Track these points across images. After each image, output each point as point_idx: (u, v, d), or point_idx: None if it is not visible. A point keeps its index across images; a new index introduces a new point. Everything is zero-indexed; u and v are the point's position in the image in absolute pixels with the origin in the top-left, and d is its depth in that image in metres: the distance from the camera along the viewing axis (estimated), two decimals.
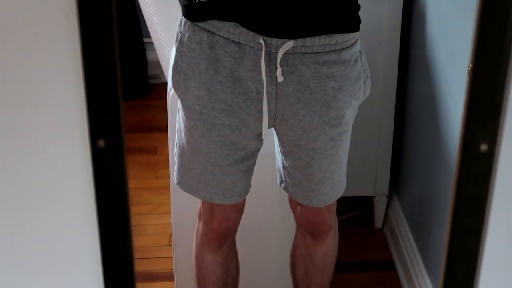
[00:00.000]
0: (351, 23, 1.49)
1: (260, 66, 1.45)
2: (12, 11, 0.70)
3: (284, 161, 1.62)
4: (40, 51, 0.70)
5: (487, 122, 0.74)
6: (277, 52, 1.44)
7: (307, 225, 1.73)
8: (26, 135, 0.74)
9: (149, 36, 2.31)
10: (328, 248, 1.76)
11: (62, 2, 0.68)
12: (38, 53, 0.70)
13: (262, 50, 1.44)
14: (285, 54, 1.45)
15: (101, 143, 0.68)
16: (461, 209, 0.80)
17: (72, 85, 0.69)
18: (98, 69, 0.66)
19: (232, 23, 1.44)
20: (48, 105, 0.72)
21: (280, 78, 1.46)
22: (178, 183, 1.63)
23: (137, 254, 2.29)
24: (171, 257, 2.12)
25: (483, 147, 0.75)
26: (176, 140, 1.61)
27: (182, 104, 1.54)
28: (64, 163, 0.74)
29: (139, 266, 2.26)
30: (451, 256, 0.82)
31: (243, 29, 1.44)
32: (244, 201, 1.68)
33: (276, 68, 1.45)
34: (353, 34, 1.49)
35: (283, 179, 1.65)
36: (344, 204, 2.29)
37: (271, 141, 1.65)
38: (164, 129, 1.98)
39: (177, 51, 1.50)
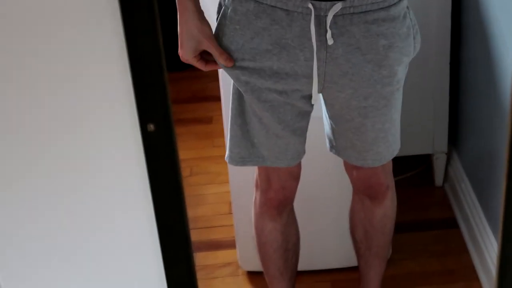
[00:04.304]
0: None
1: (309, 32, 1.44)
2: None
3: (333, 125, 1.61)
4: (86, 38, 0.71)
5: None
6: (326, 15, 1.43)
7: (364, 188, 1.72)
8: (79, 122, 0.75)
9: None
10: (386, 209, 1.75)
11: None
12: (85, 41, 0.71)
13: (311, 15, 1.42)
14: (334, 16, 1.43)
15: (151, 127, 0.69)
16: None
17: (119, 72, 0.70)
18: (142, 54, 0.66)
19: None
20: (97, 93, 0.73)
21: (330, 41, 1.45)
22: (228, 160, 1.63)
23: (198, 224, 2.32)
24: (232, 225, 2.13)
25: None
26: (230, 107, 1.61)
27: (228, 74, 1.54)
28: (116, 148, 0.75)
29: (201, 236, 2.29)
30: (508, 215, 0.81)
31: None
32: (299, 169, 1.68)
33: (326, 32, 1.44)
34: None
35: (333, 144, 1.64)
36: (403, 163, 2.27)
37: (320, 105, 1.64)
38: (218, 98, 1.98)
39: (219, 24, 1.50)
